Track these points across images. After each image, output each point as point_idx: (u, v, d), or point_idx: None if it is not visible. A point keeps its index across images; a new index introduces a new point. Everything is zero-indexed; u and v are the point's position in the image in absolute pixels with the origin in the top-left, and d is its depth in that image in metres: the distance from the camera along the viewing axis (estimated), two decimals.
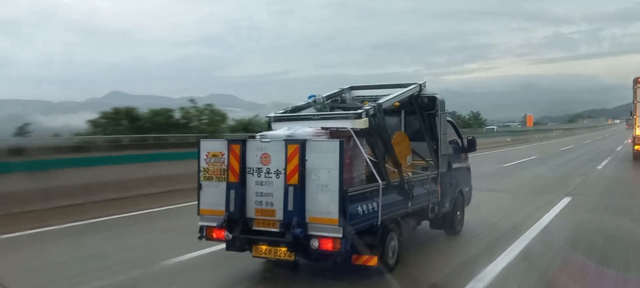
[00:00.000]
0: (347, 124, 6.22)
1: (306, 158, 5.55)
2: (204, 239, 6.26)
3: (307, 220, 5.54)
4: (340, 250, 5.47)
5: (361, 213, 5.76)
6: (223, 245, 6.35)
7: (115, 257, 7.50)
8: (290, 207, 5.57)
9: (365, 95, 8.08)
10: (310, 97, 7.52)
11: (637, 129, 24.24)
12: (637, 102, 23.79)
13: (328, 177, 5.47)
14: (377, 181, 6.16)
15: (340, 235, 5.41)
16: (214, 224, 6.05)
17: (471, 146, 9.16)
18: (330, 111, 7.10)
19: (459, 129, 9.21)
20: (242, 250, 6.24)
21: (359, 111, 6.25)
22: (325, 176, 5.48)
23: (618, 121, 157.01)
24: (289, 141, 5.68)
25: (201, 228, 6.21)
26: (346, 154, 5.85)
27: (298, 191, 5.53)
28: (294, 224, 5.51)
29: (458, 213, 8.57)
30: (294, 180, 5.56)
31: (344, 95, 8.08)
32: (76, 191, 11.59)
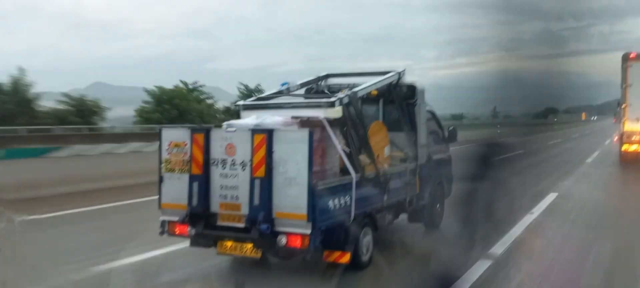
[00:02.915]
0: (319, 113, 5.91)
1: (273, 149, 5.26)
2: (165, 235, 5.89)
3: (274, 215, 5.27)
4: (309, 247, 5.19)
5: (332, 208, 5.48)
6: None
7: None
8: (256, 202, 5.27)
9: (342, 83, 7.73)
10: (283, 85, 7.21)
11: (626, 122, 18.00)
12: (628, 85, 17.80)
13: (296, 169, 5.18)
14: (342, 174, 5.86)
15: (309, 232, 5.14)
16: (176, 219, 5.69)
17: (452, 136, 8.89)
18: (303, 99, 6.78)
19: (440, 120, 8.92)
20: (209, 246, 5.92)
21: (332, 99, 5.94)
22: (293, 168, 5.19)
23: (595, 117, 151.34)
24: (255, 131, 5.37)
25: (162, 223, 5.88)
26: (317, 145, 5.58)
27: (265, 184, 5.24)
28: (260, 220, 5.22)
29: (437, 206, 8.29)
30: (261, 172, 5.25)
31: (320, 83, 7.74)
32: None
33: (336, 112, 5.88)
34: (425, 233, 8.10)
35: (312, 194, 5.14)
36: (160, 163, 5.88)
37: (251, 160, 5.32)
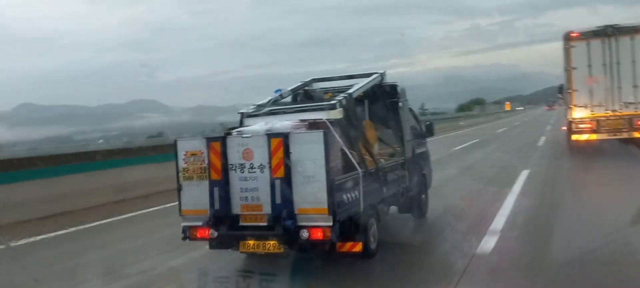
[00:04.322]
0: (322, 115, 6.42)
1: (290, 150, 5.70)
2: (187, 240, 6.24)
3: (296, 211, 5.72)
4: (332, 238, 5.68)
5: (346, 201, 6.00)
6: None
7: None
8: (278, 200, 5.72)
9: (328, 87, 8.28)
10: (276, 92, 7.70)
11: (573, 109, 16.51)
12: (573, 68, 16.40)
13: (314, 167, 5.66)
14: (352, 170, 6.37)
15: (331, 224, 5.63)
16: (198, 224, 6.07)
17: (429, 131, 9.60)
18: (303, 104, 7.28)
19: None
20: (227, 247, 6.33)
21: (333, 102, 6.48)
22: (311, 167, 5.67)
23: (522, 108, 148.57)
24: (271, 135, 5.82)
25: (184, 229, 6.22)
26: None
27: (285, 183, 5.70)
28: (284, 216, 5.65)
29: (423, 196, 8.97)
30: (280, 173, 5.72)
31: (307, 88, 8.25)
32: None
33: (338, 113, 6.43)
34: (415, 222, 8.75)
35: (331, 189, 5.63)
36: (178, 172, 6.21)
37: (270, 162, 5.76)
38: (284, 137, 5.74)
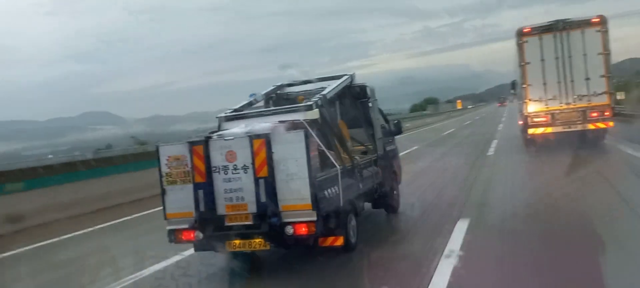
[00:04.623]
0: (299, 116, 6.65)
1: (273, 150, 5.91)
2: (173, 243, 6.37)
3: (281, 208, 5.95)
4: (316, 232, 5.92)
5: (328, 196, 6.25)
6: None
7: None
8: (263, 199, 5.94)
9: (299, 90, 8.52)
10: (251, 96, 7.91)
11: (528, 104, 16.60)
12: (526, 63, 16.55)
13: (296, 165, 5.91)
14: (330, 167, 6.64)
15: (315, 218, 5.88)
16: (184, 226, 6.21)
17: (397, 129, 9.95)
18: (276, 107, 7.50)
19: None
20: (211, 249, 6.48)
21: (310, 103, 6.73)
22: (293, 165, 5.92)
23: (470, 105, 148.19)
24: (254, 136, 6.01)
25: (170, 232, 6.34)
26: None
27: (269, 182, 5.92)
28: (269, 214, 5.86)
29: (394, 192, 9.31)
30: (264, 172, 5.93)
31: (279, 92, 8.47)
32: None
33: (314, 114, 6.69)
34: (387, 216, 9.08)
35: (314, 185, 5.88)
36: (161, 177, 6.33)
37: (253, 163, 5.96)
38: (266, 138, 5.95)
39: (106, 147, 47.43)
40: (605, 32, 15.87)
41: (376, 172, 8.27)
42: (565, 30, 16.13)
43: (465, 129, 38.12)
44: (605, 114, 15.99)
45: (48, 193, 14.07)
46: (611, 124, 16.18)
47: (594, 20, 15.93)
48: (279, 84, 8.61)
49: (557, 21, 16.37)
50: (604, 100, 15.93)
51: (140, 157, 20.84)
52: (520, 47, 16.75)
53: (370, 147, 8.48)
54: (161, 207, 6.48)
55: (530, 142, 17.45)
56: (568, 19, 16.37)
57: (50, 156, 36.64)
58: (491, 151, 19.45)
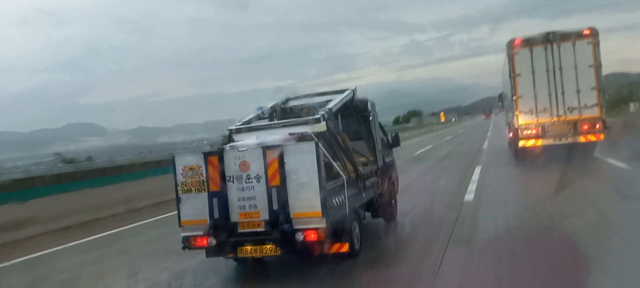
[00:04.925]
0: (307, 129, 7.01)
1: (285, 161, 6.25)
2: (186, 249, 6.66)
3: (292, 215, 6.27)
4: (326, 238, 6.25)
5: (335, 205, 6.60)
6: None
7: None
8: (275, 207, 6.27)
9: (303, 104, 8.88)
10: (258, 109, 8.26)
11: (519, 116, 16.53)
12: (517, 75, 16.51)
13: (307, 175, 6.25)
14: (336, 177, 6.98)
15: (324, 225, 6.21)
16: (198, 233, 6.52)
17: (395, 141, 10.35)
18: (284, 119, 7.87)
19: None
20: (223, 254, 6.78)
21: (318, 116, 7.09)
22: (304, 175, 6.26)
23: (454, 119, 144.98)
24: (267, 147, 6.35)
25: (184, 239, 6.62)
26: None
27: (281, 191, 6.26)
28: (281, 221, 6.19)
29: (393, 201, 9.68)
30: (276, 182, 6.27)
31: (283, 105, 8.82)
32: None
33: (322, 126, 7.06)
34: (386, 225, 9.44)
35: (323, 194, 6.22)
36: (176, 186, 6.64)
37: (266, 173, 6.30)
38: (279, 149, 6.30)
39: (86, 159, 47.20)
40: (596, 44, 15.88)
41: (376, 182, 8.64)
42: (556, 42, 16.11)
43: (445, 146, 32.78)
44: (596, 126, 15.93)
45: None
46: (602, 136, 16.13)
47: (585, 32, 15.93)
48: (284, 98, 8.97)
49: (548, 33, 16.34)
50: (595, 112, 15.91)
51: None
52: (510, 58, 16.69)
53: (371, 158, 8.85)
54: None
55: (520, 154, 17.37)
56: (559, 31, 16.31)
57: (32, 168, 36.81)
58: (470, 194, 12.13)
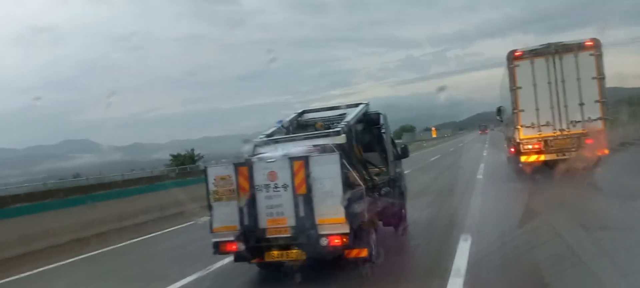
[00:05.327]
0: (327, 141, 7.52)
1: (310, 171, 6.74)
2: (216, 254, 7.13)
3: (317, 222, 6.73)
4: (349, 243, 6.72)
5: (357, 212, 7.07)
6: None
7: None
8: (301, 213, 6.76)
9: (316, 117, 9.40)
10: (278, 123, 8.78)
11: (520, 130, 16.01)
12: (518, 87, 15.97)
13: (332, 184, 6.74)
14: (355, 187, 7.45)
15: (348, 231, 6.69)
16: (229, 239, 7.00)
17: (404, 153, 10.86)
18: (301, 131, 8.39)
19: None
20: (250, 259, 7.24)
21: (338, 129, 7.61)
22: (329, 184, 6.75)
23: (447, 134, 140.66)
24: (294, 158, 6.84)
25: (215, 244, 7.09)
26: None
27: (307, 199, 6.75)
28: (307, 227, 6.66)
29: (402, 210, 10.17)
30: (302, 190, 6.77)
31: (299, 119, 9.33)
32: None
33: (342, 139, 7.58)
34: (396, 233, 9.89)
35: (346, 201, 6.71)
36: (208, 194, 7.11)
37: (293, 182, 6.79)
38: (305, 160, 6.79)
39: (74, 176, 47.09)
40: (599, 56, 15.37)
41: (389, 192, 9.13)
42: (558, 54, 15.61)
43: (424, 174, 23.88)
44: (601, 140, 15.24)
45: None
46: (606, 151, 15.44)
47: (587, 43, 15.46)
48: (299, 111, 9.48)
49: (549, 44, 15.88)
50: (599, 126, 15.32)
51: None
52: (511, 71, 16.11)
53: (383, 169, 9.35)
54: None
55: (521, 170, 16.71)
56: (560, 42, 15.84)
57: (25, 185, 36.65)
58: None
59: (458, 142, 71.08)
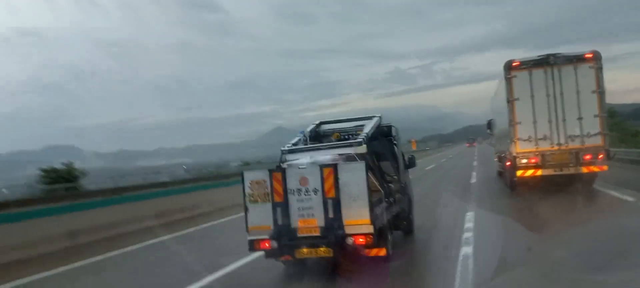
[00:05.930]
0: (350, 150, 8.34)
1: (338, 177, 7.53)
2: (251, 251, 7.89)
3: (344, 223, 7.51)
4: (373, 242, 7.51)
5: (377, 215, 7.88)
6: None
7: None
8: (330, 215, 7.55)
9: (334, 128, 10.20)
10: (300, 133, 9.56)
11: (517, 143, 15.62)
12: (515, 99, 15.60)
13: (358, 189, 7.56)
14: (375, 192, 8.27)
15: (373, 231, 7.49)
16: (263, 237, 7.78)
17: (411, 163, 11.70)
18: (316, 142, 9.23)
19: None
20: (280, 256, 8.00)
21: (360, 139, 8.43)
22: (355, 189, 7.56)
23: (428, 147, 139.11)
24: (323, 165, 7.64)
25: (250, 242, 7.86)
26: None
27: (335, 202, 7.55)
28: (336, 227, 7.45)
29: (410, 216, 11.00)
30: (332, 194, 7.58)
31: (317, 129, 10.12)
32: None
33: (363, 148, 8.40)
34: (405, 237, 10.72)
35: (371, 205, 7.51)
36: (245, 197, 7.88)
37: (322, 186, 7.59)
38: (334, 167, 7.59)
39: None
40: (599, 69, 15.06)
41: (401, 198, 9.96)
42: (557, 66, 15.24)
43: None
44: (599, 156, 15.02)
45: None
46: (605, 167, 15.16)
47: (587, 55, 15.16)
48: (317, 122, 10.28)
49: (548, 55, 15.52)
50: (598, 141, 15.04)
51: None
52: (508, 82, 15.67)
53: (395, 177, 10.18)
54: None
55: (516, 185, 16.32)
56: (560, 53, 15.55)
57: (4, 190, 35.40)
58: None
59: (440, 158, 63.74)
